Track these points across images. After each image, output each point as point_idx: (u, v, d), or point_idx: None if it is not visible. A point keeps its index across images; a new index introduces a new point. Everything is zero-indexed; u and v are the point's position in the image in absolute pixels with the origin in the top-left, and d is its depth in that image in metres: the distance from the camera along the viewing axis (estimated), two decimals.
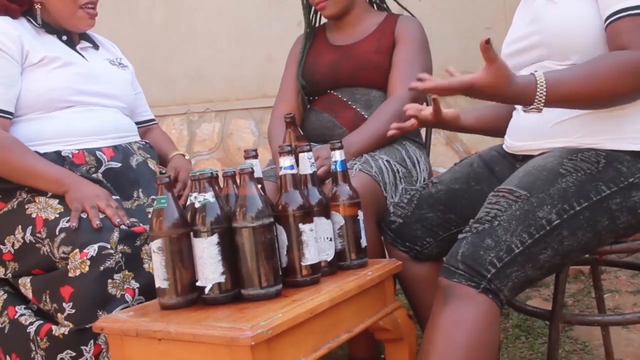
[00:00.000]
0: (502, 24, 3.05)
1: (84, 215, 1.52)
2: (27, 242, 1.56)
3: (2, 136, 1.62)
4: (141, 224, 1.57)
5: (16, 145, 1.62)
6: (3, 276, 1.64)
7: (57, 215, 1.55)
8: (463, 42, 3.30)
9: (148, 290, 1.47)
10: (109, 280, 1.45)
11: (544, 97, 1.31)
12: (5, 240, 1.60)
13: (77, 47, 1.85)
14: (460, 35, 3.30)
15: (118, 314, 1.34)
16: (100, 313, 1.42)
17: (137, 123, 2.02)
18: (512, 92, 1.31)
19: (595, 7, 1.40)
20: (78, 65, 1.79)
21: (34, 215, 1.57)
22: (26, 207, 1.60)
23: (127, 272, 1.48)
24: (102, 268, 1.44)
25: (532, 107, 1.33)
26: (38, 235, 1.54)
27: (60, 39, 1.82)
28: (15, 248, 1.59)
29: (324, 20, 2.24)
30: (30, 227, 1.56)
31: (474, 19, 3.30)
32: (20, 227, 1.58)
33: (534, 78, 1.32)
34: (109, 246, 1.47)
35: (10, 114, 1.67)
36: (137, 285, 1.49)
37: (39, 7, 1.78)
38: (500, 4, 3.11)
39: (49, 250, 1.52)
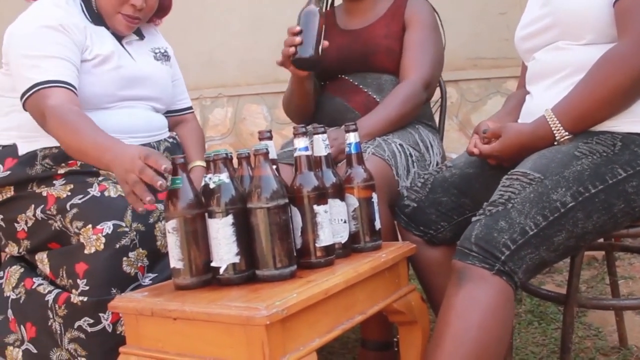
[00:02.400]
0: (517, 8, 3.03)
1: (97, 194, 1.53)
2: (39, 219, 1.58)
3: (60, 112, 1.51)
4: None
5: (67, 121, 1.51)
6: (17, 254, 1.66)
7: (69, 193, 1.57)
8: (476, 26, 3.28)
9: (158, 268, 1.50)
10: (124, 259, 1.46)
11: (560, 125, 1.39)
12: (18, 218, 1.62)
13: (124, 42, 1.79)
14: (473, 20, 3.28)
15: (133, 293, 1.35)
16: (114, 291, 1.43)
17: (172, 112, 1.96)
18: (531, 141, 1.43)
19: None
20: (125, 67, 1.73)
21: (44, 194, 1.59)
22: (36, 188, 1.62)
23: (141, 250, 1.49)
24: (117, 246, 1.46)
25: (558, 139, 1.40)
26: (48, 212, 1.56)
27: (108, 29, 1.76)
28: (28, 226, 1.61)
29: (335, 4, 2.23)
30: (42, 206, 1.58)
31: (486, 3, 3.28)
32: (33, 205, 1.59)
33: (543, 115, 1.41)
34: (124, 224, 1.48)
35: (75, 87, 1.59)
36: (148, 262, 1.50)
37: None
38: None
39: (61, 225, 1.54)
